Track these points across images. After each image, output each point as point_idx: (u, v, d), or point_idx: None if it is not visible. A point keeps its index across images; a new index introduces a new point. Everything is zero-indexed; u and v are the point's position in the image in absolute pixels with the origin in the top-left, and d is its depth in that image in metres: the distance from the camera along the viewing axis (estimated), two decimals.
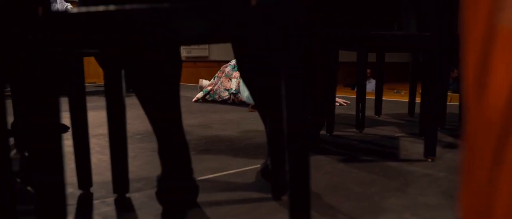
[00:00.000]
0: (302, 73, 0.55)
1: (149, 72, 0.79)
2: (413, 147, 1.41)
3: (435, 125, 1.21)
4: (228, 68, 2.98)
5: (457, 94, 4.13)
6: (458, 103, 2.37)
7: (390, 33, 1.25)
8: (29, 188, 0.94)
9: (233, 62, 3.03)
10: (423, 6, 1.65)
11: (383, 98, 2.28)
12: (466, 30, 0.20)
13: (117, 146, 0.88)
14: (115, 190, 0.90)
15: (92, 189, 0.95)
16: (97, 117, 2.16)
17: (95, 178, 1.01)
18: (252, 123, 1.99)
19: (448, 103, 1.96)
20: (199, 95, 3.07)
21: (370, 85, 6.16)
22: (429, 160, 1.21)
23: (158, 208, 0.83)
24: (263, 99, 0.91)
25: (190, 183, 0.79)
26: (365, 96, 1.73)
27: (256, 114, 2.34)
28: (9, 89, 1.53)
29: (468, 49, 0.20)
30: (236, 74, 2.90)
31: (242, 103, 2.82)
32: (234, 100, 2.89)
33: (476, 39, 0.19)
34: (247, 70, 0.92)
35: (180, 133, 0.80)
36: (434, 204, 0.85)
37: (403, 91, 7.54)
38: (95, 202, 0.87)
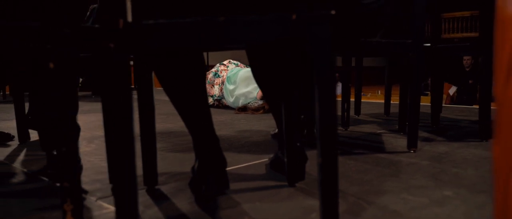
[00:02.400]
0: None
1: (179, 75, 0.89)
2: (396, 141, 1.58)
3: (416, 121, 1.38)
4: (210, 75, 3.05)
5: (425, 96, 4.40)
6: (427, 104, 2.58)
7: (388, 41, 1.41)
8: (58, 184, 1.01)
9: (215, 69, 3.10)
10: (399, 16, 1.83)
11: (352, 100, 2.45)
12: (498, 47, 0.33)
13: (148, 142, 0.98)
14: (145, 183, 0.99)
15: None
16: (89, 121, 2.20)
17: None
18: (244, 124, 2.11)
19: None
20: None
21: (338, 88, 6.40)
22: (412, 151, 1.38)
23: (189, 196, 0.93)
24: (276, 96, 1.03)
25: (222, 173, 0.90)
26: (349, 97, 1.89)
27: (245, 116, 2.46)
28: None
29: (498, 60, 0.33)
30: (218, 80, 2.98)
31: (227, 107, 2.92)
32: (218, 105, 2.98)
33: (504, 54, 0.32)
34: (261, 70, 1.04)
35: (211, 129, 0.91)
36: (424, 186, 1.01)
37: (369, 93, 7.89)
38: None
